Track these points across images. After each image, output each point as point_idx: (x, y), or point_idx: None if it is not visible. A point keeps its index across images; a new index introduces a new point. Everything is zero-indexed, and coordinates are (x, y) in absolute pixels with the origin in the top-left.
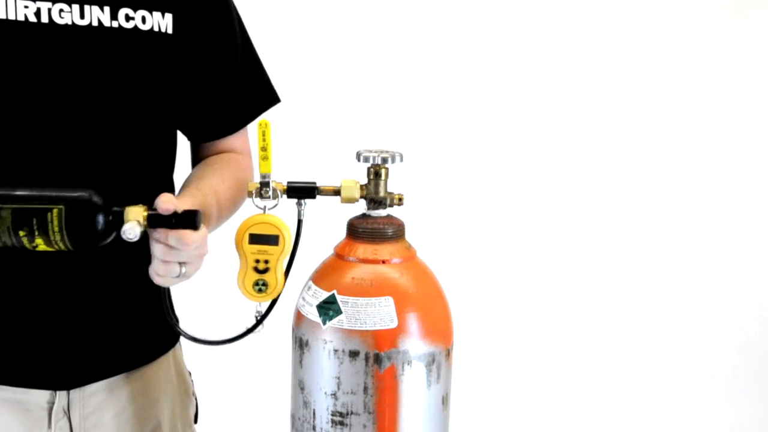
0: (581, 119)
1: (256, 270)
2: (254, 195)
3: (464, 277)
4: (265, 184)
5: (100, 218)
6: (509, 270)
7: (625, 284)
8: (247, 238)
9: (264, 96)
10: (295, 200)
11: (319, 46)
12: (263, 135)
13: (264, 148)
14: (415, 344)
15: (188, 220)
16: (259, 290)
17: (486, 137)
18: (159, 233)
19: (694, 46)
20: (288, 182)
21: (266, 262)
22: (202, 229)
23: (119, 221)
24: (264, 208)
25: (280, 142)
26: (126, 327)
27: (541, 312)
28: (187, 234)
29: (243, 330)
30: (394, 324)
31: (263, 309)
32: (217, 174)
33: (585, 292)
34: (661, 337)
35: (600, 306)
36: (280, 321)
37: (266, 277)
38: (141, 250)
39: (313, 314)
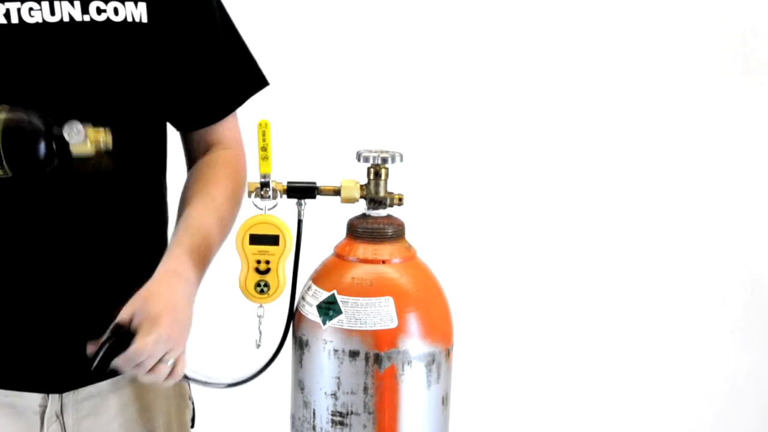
0: (581, 120)
1: (258, 271)
2: (254, 195)
3: (464, 277)
4: (265, 184)
5: (42, 144)
6: (509, 270)
7: (625, 284)
8: (247, 239)
9: (251, 80)
10: (295, 200)
11: (319, 46)
12: (263, 135)
13: (264, 148)
14: (415, 344)
15: (120, 342)
16: (261, 291)
17: (486, 137)
18: (117, 364)
19: (692, 46)
20: (288, 182)
21: (267, 262)
22: (150, 331)
23: (63, 144)
24: (264, 208)
25: (280, 142)
26: None
27: (541, 312)
28: (132, 349)
29: (247, 375)
30: (394, 324)
31: (263, 312)
32: (209, 204)
33: (585, 292)
34: (661, 337)
35: (600, 306)
36: (280, 321)
37: (268, 277)
38: (136, 253)
39: (313, 314)
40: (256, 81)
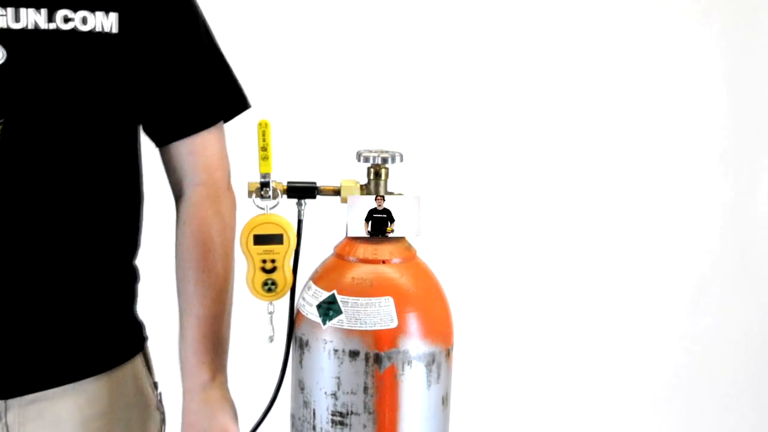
0: (581, 119)
1: (264, 270)
2: (254, 195)
3: (464, 277)
4: (265, 184)
5: None
6: (509, 270)
7: (625, 285)
8: (251, 240)
9: (230, 100)
10: (295, 200)
11: (319, 46)
12: (263, 135)
13: (264, 148)
14: (415, 344)
15: None
16: (269, 290)
17: (486, 137)
18: None
19: (691, 49)
20: (288, 182)
21: (273, 261)
22: None
23: None
24: (266, 208)
25: (280, 142)
26: (69, 338)
27: (541, 312)
28: None
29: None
30: (394, 324)
31: (273, 308)
32: (199, 301)
33: (585, 292)
34: (661, 337)
35: (600, 306)
36: (280, 321)
37: (275, 276)
38: (88, 257)
39: (313, 314)
40: (236, 102)
